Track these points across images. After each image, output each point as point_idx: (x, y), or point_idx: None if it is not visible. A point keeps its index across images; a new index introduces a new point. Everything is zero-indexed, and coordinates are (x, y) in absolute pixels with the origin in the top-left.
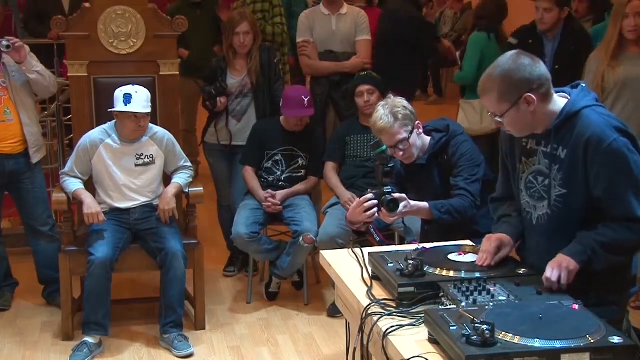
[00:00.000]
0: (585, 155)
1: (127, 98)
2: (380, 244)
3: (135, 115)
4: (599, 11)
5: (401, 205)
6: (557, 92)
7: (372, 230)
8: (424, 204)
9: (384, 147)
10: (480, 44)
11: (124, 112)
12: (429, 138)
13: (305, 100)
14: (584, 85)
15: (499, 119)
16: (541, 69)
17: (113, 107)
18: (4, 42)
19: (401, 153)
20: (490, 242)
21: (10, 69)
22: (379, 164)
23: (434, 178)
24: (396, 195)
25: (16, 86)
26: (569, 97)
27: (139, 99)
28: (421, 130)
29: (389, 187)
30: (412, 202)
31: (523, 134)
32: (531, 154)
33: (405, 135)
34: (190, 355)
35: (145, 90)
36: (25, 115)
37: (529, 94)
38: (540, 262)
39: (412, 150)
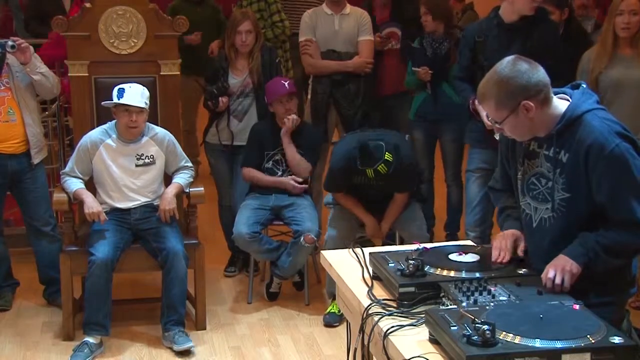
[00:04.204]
0: (587, 161)
1: (120, 92)
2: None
3: (127, 109)
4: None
5: None
6: (557, 93)
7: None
8: None
9: None
10: None
11: (116, 104)
12: None
13: (285, 83)
14: (584, 85)
15: (499, 125)
16: (539, 74)
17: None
18: (10, 43)
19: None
20: (505, 239)
21: (14, 70)
22: None
23: (516, 40)
24: None
25: (20, 87)
26: (570, 99)
27: (132, 93)
28: None
29: None
30: None
31: (524, 138)
32: (533, 156)
33: None
34: (189, 348)
35: (141, 87)
36: (28, 116)
37: (527, 101)
38: (541, 264)
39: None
